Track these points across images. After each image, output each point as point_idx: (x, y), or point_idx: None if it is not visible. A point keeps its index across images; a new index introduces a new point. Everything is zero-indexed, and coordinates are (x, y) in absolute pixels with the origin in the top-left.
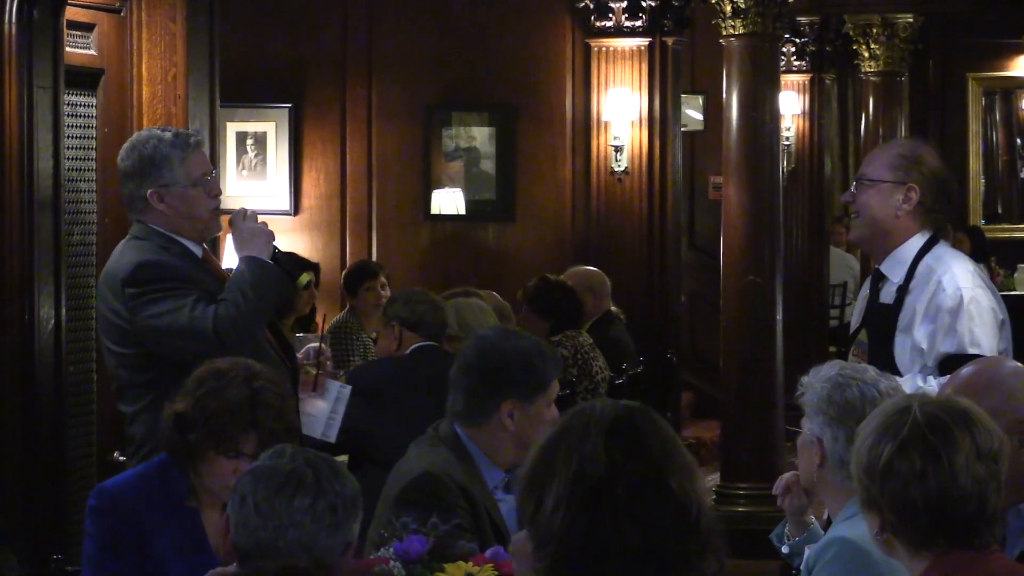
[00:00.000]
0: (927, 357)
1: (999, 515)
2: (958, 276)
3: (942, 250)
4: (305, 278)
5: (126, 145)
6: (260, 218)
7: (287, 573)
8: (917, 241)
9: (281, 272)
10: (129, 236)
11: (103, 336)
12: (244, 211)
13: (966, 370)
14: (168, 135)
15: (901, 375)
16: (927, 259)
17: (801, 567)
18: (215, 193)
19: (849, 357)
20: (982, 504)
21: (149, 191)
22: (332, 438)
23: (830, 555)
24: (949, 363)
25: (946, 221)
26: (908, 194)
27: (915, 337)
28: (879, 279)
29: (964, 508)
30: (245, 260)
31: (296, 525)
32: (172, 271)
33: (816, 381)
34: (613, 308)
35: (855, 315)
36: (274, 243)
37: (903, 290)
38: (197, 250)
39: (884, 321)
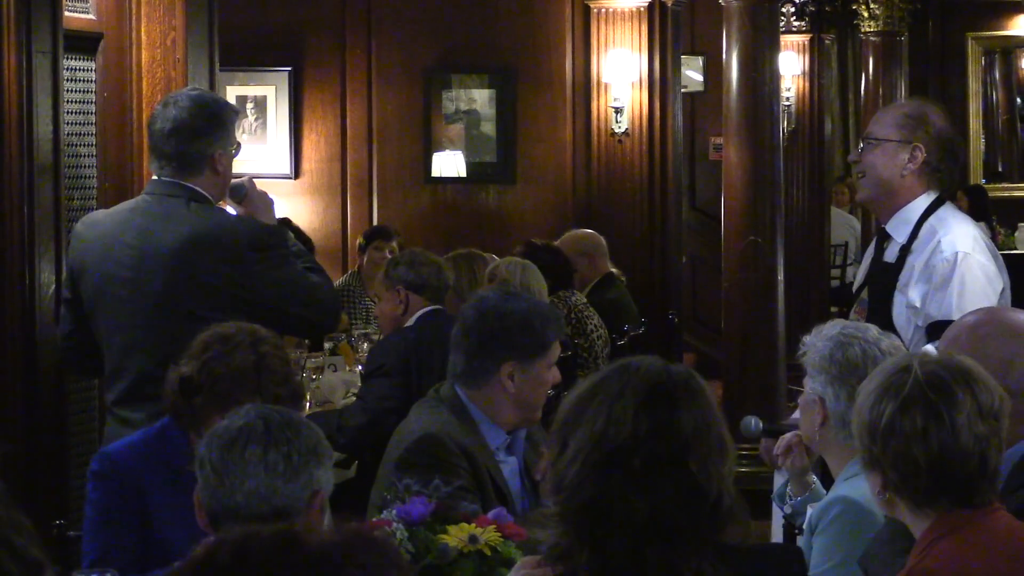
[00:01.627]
0: (917, 316)
1: (999, 472)
2: (957, 238)
3: (947, 211)
4: None
5: (182, 101)
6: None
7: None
8: (923, 201)
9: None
10: (174, 197)
11: (189, 303)
12: (250, 180)
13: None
14: (218, 98)
15: (898, 333)
16: (931, 220)
17: (804, 526)
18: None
19: (851, 315)
20: (983, 462)
21: (218, 152)
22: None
23: (832, 514)
24: (935, 329)
25: (952, 181)
26: (914, 153)
27: (909, 296)
28: (884, 238)
29: (966, 466)
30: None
31: (250, 476)
32: (286, 237)
33: (818, 340)
34: (613, 270)
35: (860, 274)
36: None
37: (905, 249)
38: None
39: (885, 279)
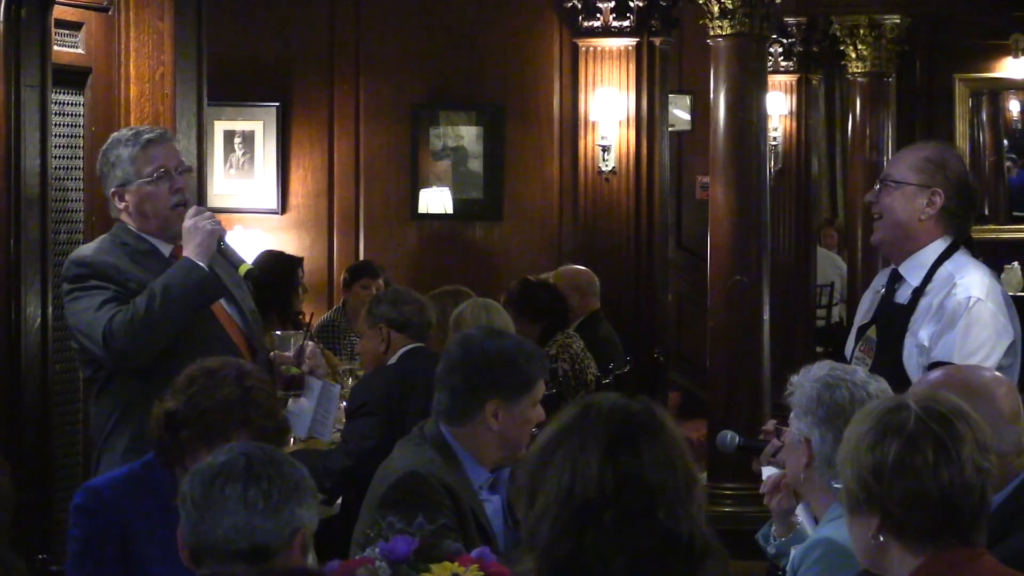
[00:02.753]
0: (924, 356)
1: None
2: (973, 283)
3: (963, 257)
4: (244, 268)
5: None
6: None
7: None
8: (939, 246)
9: (206, 272)
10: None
11: None
12: (193, 207)
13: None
14: (126, 133)
15: (907, 375)
16: (947, 265)
17: (787, 568)
18: (174, 188)
19: (855, 353)
20: (983, 496)
21: (111, 191)
22: (326, 436)
23: (815, 556)
24: (934, 369)
25: (969, 226)
26: (932, 198)
27: (919, 336)
28: (896, 280)
29: (970, 500)
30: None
31: (228, 512)
32: (100, 269)
33: (806, 381)
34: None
35: (861, 310)
36: (220, 231)
37: (919, 292)
38: (165, 249)
39: (896, 321)
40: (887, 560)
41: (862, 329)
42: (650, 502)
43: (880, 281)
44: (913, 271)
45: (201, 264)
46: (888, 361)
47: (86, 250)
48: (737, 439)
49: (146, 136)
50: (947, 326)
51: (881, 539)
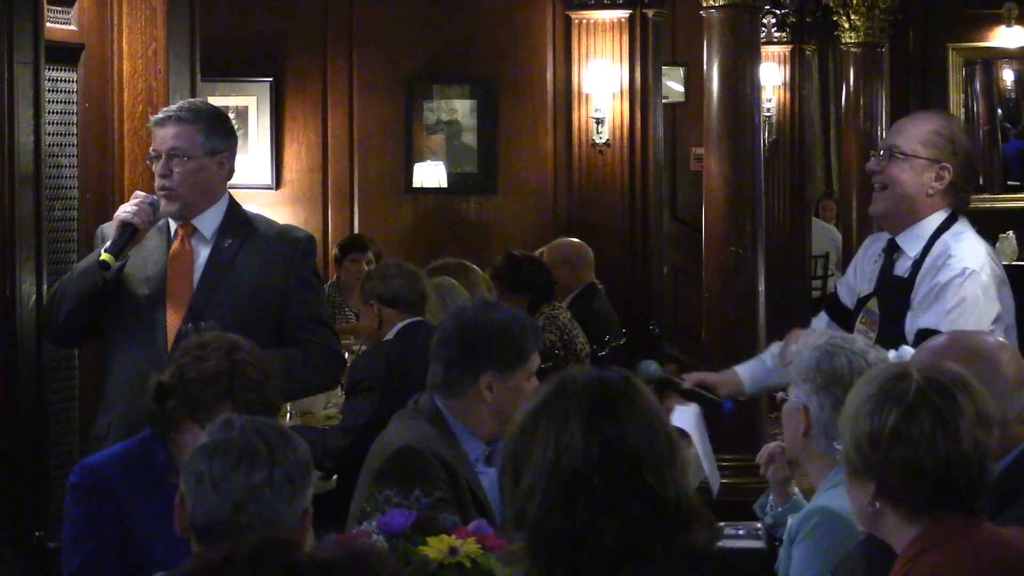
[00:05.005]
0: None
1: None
2: (968, 255)
3: (961, 227)
4: (104, 256)
5: None
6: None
7: (267, 546)
8: (938, 217)
9: (94, 258)
10: None
11: None
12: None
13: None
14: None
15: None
16: (945, 236)
17: (784, 537)
18: (160, 172)
19: (858, 325)
20: (982, 469)
21: None
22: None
23: (812, 524)
24: (920, 337)
25: (969, 199)
26: (940, 172)
27: (917, 311)
28: (894, 250)
29: (968, 472)
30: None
31: (256, 499)
32: (96, 240)
33: (804, 349)
34: (594, 280)
35: (853, 276)
36: (125, 218)
37: (918, 265)
38: (172, 224)
39: (897, 294)
40: (883, 526)
41: (862, 300)
42: (636, 466)
43: (876, 247)
44: (911, 242)
45: (102, 249)
46: (893, 334)
47: (111, 222)
48: (658, 370)
49: (154, 118)
50: (936, 296)
51: (877, 506)
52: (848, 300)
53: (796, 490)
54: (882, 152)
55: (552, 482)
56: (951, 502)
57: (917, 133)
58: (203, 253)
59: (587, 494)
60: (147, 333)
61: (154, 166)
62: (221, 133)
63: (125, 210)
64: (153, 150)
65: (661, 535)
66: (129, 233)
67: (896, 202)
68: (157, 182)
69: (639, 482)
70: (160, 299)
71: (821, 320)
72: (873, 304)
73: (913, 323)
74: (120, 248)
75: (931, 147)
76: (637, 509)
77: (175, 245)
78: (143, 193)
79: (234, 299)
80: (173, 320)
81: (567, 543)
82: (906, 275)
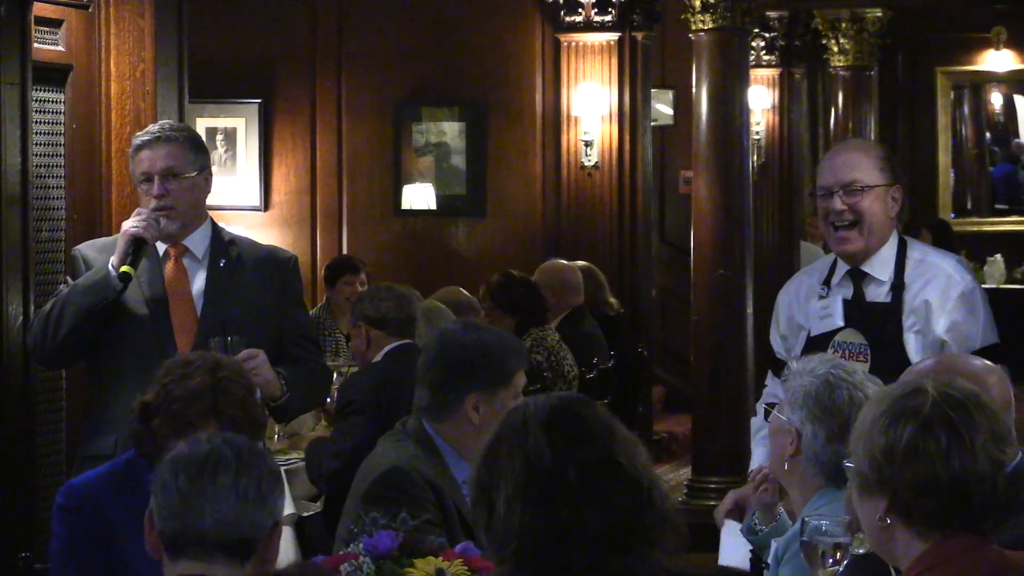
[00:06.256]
0: (949, 348)
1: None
2: (958, 270)
3: (921, 245)
4: (125, 268)
5: None
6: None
7: None
8: (895, 238)
9: (104, 272)
10: None
11: None
12: (138, 208)
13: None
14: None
15: None
16: (913, 254)
17: (769, 560)
18: (157, 193)
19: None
20: (994, 488)
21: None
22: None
23: (798, 546)
24: (990, 356)
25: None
26: (895, 195)
27: (935, 332)
28: (860, 278)
29: (981, 489)
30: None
31: (221, 501)
32: (75, 265)
33: (805, 373)
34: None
35: (787, 325)
36: (135, 232)
37: (898, 288)
38: (160, 247)
39: (883, 321)
40: (894, 543)
41: (825, 336)
42: (607, 449)
43: (806, 284)
44: (880, 266)
45: (108, 264)
46: (892, 361)
47: (85, 243)
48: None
49: (138, 140)
50: (971, 313)
51: (888, 522)
52: (784, 351)
53: (782, 509)
54: (840, 192)
55: (528, 490)
56: (962, 518)
57: (869, 163)
58: (199, 273)
59: (566, 490)
60: (155, 353)
61: (144, 188)
62: (203, 150)
63: (133, 225)
64: (142, 172)
65: (643, 521)
66: (140, 247)
67: (874, 234)
68: (154, 203)
69: (613, 465)
70: (163, 319)
71: (772, 381)
72: (849, 335)
73: (920, 343)
74: (135, 261)
75: (885, 173)
76: (617, 491)
77: (169, 266)
78: (145, 209)
79: (241, 317)
80: (182, 340)
81: (555, 545)
82: (888, 299)
